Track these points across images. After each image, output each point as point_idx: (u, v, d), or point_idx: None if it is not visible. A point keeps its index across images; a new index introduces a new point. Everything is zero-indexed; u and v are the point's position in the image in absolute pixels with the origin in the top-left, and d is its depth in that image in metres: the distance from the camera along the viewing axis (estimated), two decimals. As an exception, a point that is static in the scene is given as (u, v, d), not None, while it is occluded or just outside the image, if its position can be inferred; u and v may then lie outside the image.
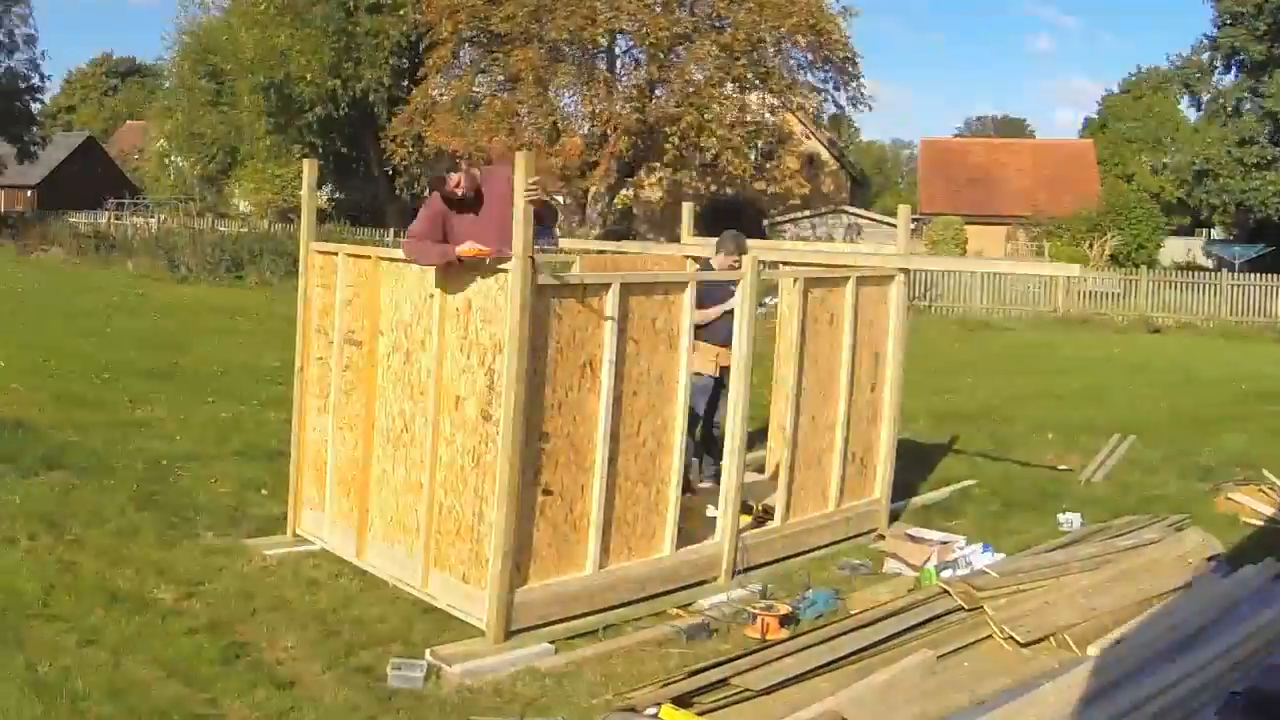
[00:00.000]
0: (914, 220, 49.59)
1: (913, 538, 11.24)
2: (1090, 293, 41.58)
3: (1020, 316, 40.10)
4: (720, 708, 7.54)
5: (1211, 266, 55.43)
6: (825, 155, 60.45)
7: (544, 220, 8.98)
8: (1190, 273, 44.17)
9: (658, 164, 51.38)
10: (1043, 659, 8.47)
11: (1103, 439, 17.11)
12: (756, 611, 9.33)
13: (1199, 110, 74.88)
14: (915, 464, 14.63)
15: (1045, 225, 53.43)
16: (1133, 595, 9.44)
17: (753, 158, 48.37)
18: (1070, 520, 12.55)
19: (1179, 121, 76.68)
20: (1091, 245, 47.96)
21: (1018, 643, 8.59)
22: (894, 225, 14.03)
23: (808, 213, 55.20)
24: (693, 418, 10.99)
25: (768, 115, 47.43)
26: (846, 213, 54.90)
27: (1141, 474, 15.31)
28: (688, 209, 13.62)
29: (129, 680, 7.59)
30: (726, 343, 11.16)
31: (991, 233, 56.34)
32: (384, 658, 8.26)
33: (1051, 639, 8.76)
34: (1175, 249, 59.95)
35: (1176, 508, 13.06)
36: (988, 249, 53.30)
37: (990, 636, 8.77)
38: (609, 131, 46.09)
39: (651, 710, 7.43)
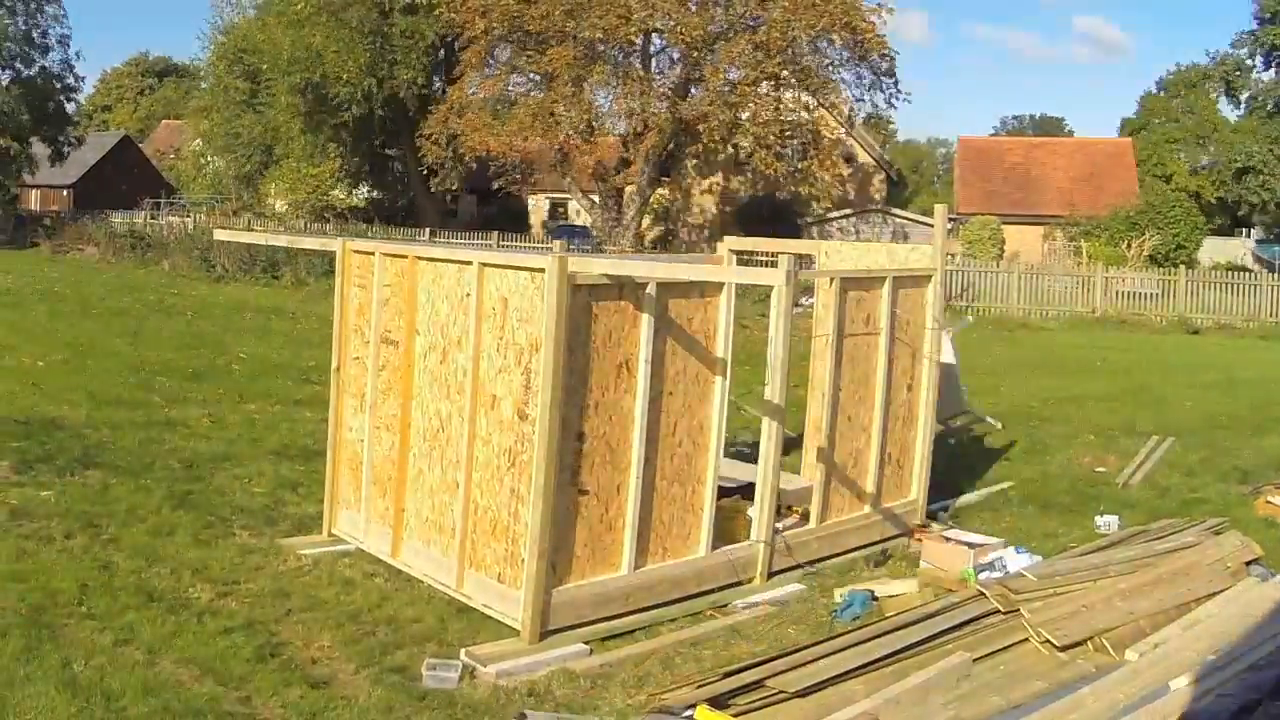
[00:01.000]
0: (951, 220, 49.33)
1: (949, 540, 11.15)
2: (1128, 293, 41.29)
3: (1057, 317, 39.88)
4: (756, 709, 7.50)
5: (1254, 268, 54.96)
6: (862, 155, 60.24)
7: None
8: (1229, 273, 43.81)
9: (705, 166, 51.35)
10: (1080, 663, 8.40)
11: (1141, 441, 17.01)
12: None
13: (1238, 108, 74.55)
14: (952, 465, 14.56)
15: (1083, 225, 53.08)
16: (1171, 600, 9.36)
17: (788, 157, 48.21)
18: (1108, 523, 12.47)
19: (1218, 120, 76.17)
20: (1130, 245, 47.64)
21: (1055, 646, 8.52)
22: (931, 225, 13.96)
23: (844, 213, 55.01)
24: None
25: (803, 114, 47.25)
26: (884, 212, 54.68)
27: (1180, 476, 15.20)
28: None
29: (164, 679, 7.61)
30: None
31: (1029, 232, 55.97)
32: (418, 657, 8.28)
33: (1089, 643, 8.69)
34: (1223, 249, 59.45)
35: (1215, 511, 12.95)
36: (1026, 249, 52.96)
37: (1027, 640, 8.70)
38: (644, 130, 46.02)
39: (687, 711, 7.39)
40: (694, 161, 51.30)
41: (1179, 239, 50.49)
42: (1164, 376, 25.92)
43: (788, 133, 46.94)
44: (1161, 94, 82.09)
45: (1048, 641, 8.56)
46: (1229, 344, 34.95)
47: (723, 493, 10.37)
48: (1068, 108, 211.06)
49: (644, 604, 9.44)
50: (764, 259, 21.50)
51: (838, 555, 11.14)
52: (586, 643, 8.80)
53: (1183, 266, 42.73)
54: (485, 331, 9.21)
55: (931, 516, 12.42)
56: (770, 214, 51.85)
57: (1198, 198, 62.98)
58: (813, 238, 47.73)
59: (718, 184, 57.88)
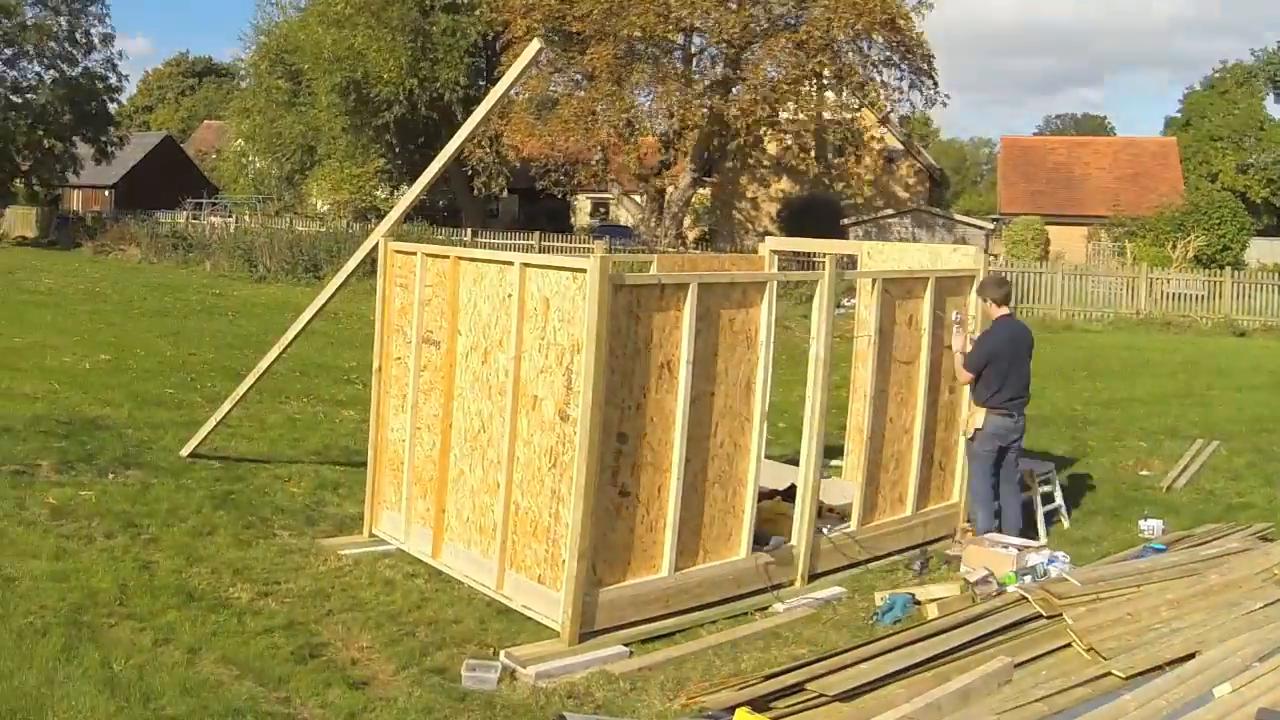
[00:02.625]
0: (993, 220, 48.79)
1: (991, 543, 11.06)
2: (1173, 295, 40.94)
3: (1102, 318, 39.60)
4: (796, 712, 7.46)
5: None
6: (904, 155, 59.86)
7: None
8: (1276, 274, 43.38)
9: (746, 166, 51.29)
10: (1123, 670, 8.31)
11: (1186, 444, 16.87)
12: None
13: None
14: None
15: (1127, 225, 52.69)
16: (1219, 610, 9.24)
17: (828, 156, 48.11)
18: (1152, 527, 12.32)
19: (1264, 119, 75.57)
20: (1175, 246, 47.23)
21: (1101, 657, 8.42)
22: (974, 225, 13.88)
23: (890, 212, 54.71)
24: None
25: (843, 113, 47.06)
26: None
27: (1225, 481, 15.06)
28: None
29: (203, 679, 7.62)
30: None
31: (1073, 233, 55.63)
32: (458, 659, 8.27)
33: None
34: (1270, 251, 58.87)
35: (1261, 515, 12.84)
36: (1069, 250, 52.64)
37: (1069, 645, 8.62)
38: (685, 130, 45.95)
39: (726, 715, 7.36)
40: (733, 162, 51.12)
41: (1225, 239, 50.04)
42: (1210, 379, 25.70)
43: (828, 131, 46.82)
44: (1206, 92, 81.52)
45: (1092, 650, 8.47)
46: (1276, 346, 34.64)
47: (763, 496, 10.35)
48: (1110, 105, 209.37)
49: (684, 606, 9.42)
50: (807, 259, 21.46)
51: (879, 558, 11.09)
52: (626, 644, 8.78)
53: (1229, 267, 42.34)
54: (527, 332, 9.19)
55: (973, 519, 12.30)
56: (816, 214, 51.67)
57: (1244, 197, 62.45)
58: (871, 238, 47.37)
59: (783, 190, 57.78)
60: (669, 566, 9.31)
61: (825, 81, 45.65)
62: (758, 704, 7.41)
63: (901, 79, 46.73)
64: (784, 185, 57.71)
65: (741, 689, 7.65)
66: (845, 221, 52.38)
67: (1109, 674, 8.05)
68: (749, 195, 59.16)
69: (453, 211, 59.77)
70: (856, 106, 47.15)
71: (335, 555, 10.52)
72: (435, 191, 63.28)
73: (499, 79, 41.67)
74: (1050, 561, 10.50)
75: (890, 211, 54.93)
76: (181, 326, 26.50)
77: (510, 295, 9.32)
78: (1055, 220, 55.76)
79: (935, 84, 46.99)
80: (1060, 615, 8.89)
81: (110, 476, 12.54)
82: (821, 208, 54.29)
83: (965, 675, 7.80)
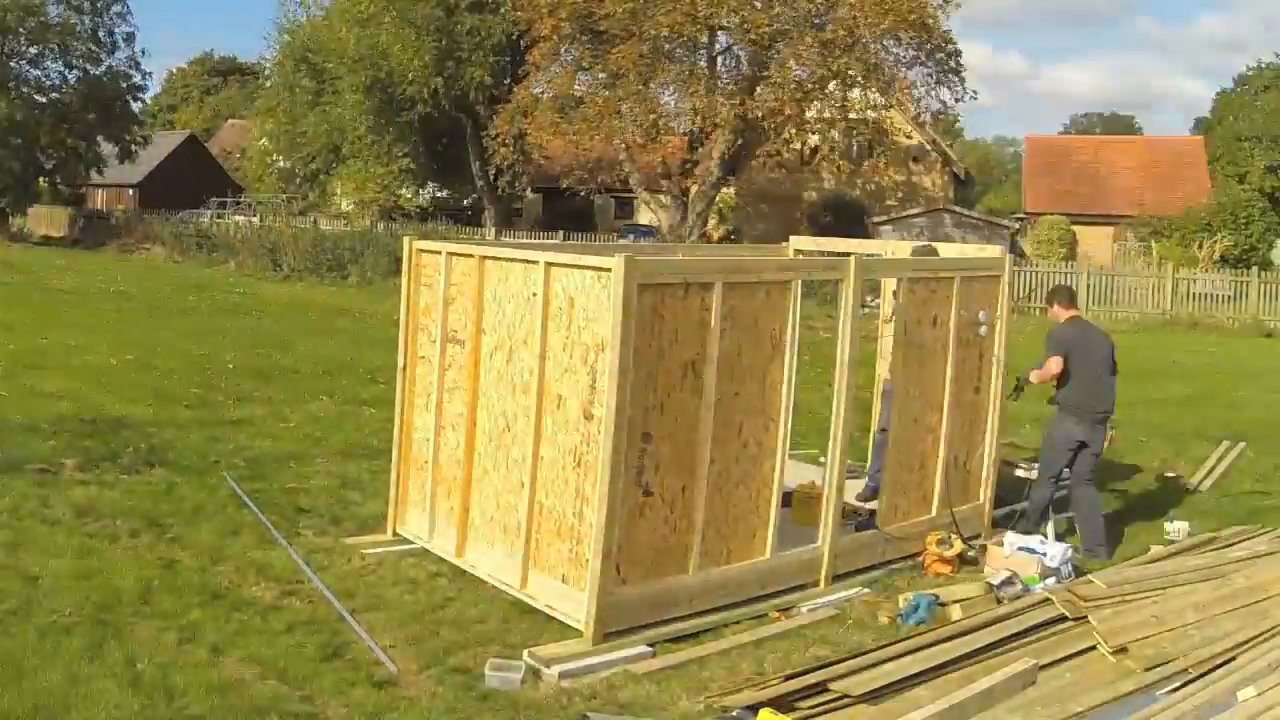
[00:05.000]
0: (1018, 220, 48.53)
1: (1016, 545, 11.01)
2: (1200, 295, 40.73)
3: (1127, 319, 39.38)
4: (819, 713, 7.44)
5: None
6: (930, 153, 59.60)
7: None
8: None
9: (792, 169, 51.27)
10: (1149, 672, 8.26)
11: (1211, 446, 16.77)
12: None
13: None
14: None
15: (1153, 225, 52.43)
16: (1247, 614, 9.18)
17: (854, 156, 47.99)
18: (1178, 529, 12.24)
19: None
20: (1201, 245, 46.98)
21: (1126, 660, 8.37)
22: (1000, 224, 13.83)
23: (914, 211, 54.50)
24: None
25: (869, 112, 46.91)
26: (953, 212, 54.14)
27: (1252, 482, 14.97)
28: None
29: (227, 677, 7.63)
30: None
31: (1099, 232, 55.36)
32: (482, 658, 8.25)
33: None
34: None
35: (1288, 518, 12.76)
36: (1095, 249, 52.41)
37: (1094, 647, 8.58)
38: (710, 129, 45.92)
39: (747, 714, 7.35)
40: (759, 161, 51.08)
41: (1252, 239, 49.78)
42: (1236, 380, 25.55)
43: (854, 130, 46.73)
44: (1239, 91, 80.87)
45: (1117, 652, 8.42)
46: (1302, 347, 34.47)
47: (785, 498, 10.33)
48: (1139, 105, 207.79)
49: (708, 606, 9.39)
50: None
51: (904, 559, 11.05)
52: (650, 644, 8.76)
53: (1256, 268, 42.09)
54: (551, 331, 9.17)
55: (996, 521, 12.25)
56: (843, 213, 51.58)
57: (1272, 197, 62.01)
58: (903, 237, 47.21)
59: (809, 189, 57.65)
60: (693, 566, 9.29)
61: (851, 80, 45.50)
62: (781, 704, 7.39)
63: (930, 77, 46.62)
64: (810, 184, 57.56)
65: (763, 688, 7.65)
66: (871, 220, 52.26)
67: (1134, 676, 8.02)
68: (774, 195, 58.96)
69: (476, 211, 59.77)
70: (884, 105, 47.01)
71: (359, 554, 10.52)
72: (459, 190, 63.29)
73: (523, 79, 41.53)
74: (1073, 563, 10.48)
75: (917, 211, 54.73)
76: (206, 326, 26.57)
77: (535, 294, 9.30)
78: (1080, 220, 55.54)
79: (963, 80, 46.85)
80: (1085, 617, 8.85)
81: (134, 475, 12.57)
82: (848, 207, 54.21)
83: (989, 677, 7.77)
